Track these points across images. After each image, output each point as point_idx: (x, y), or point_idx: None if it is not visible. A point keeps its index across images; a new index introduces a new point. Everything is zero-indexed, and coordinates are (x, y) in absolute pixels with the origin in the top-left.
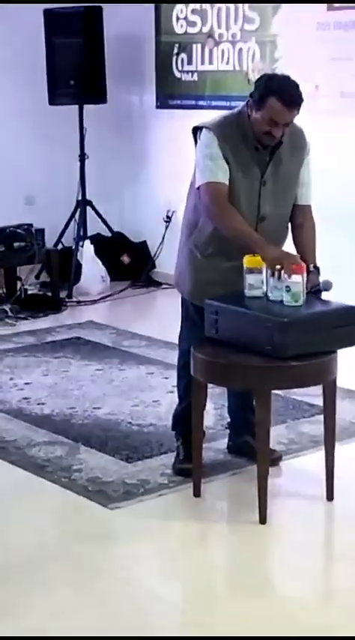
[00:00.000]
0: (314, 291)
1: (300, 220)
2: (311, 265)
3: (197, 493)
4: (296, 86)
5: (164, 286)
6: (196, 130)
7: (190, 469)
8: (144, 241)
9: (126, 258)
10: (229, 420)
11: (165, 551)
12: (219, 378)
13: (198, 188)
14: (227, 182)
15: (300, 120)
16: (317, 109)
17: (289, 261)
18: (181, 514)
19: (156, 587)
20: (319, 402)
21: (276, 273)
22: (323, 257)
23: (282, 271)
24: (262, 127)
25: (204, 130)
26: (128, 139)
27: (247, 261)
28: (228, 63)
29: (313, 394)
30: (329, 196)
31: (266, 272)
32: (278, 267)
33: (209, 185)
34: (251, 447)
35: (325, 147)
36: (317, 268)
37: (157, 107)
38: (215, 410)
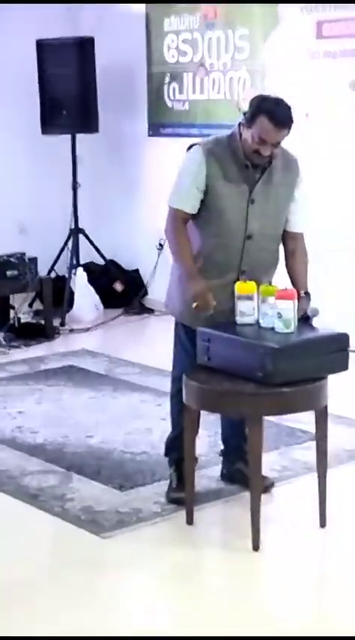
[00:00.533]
0: (304, 318)
1: (292, 246)
2: (302, 291)
3: (190, 521)
4: (288, 108)
5: (157, 313)
6: (190, 148)
7: (183, 499)
8: (137, 269)
9: (118, 286)
10: (222, 447)
11: (158, 579)
12: (211, 405)
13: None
14: (190, 210)
15: (291, 147)
16: (307, 137)
17: (205, 299)
18: (174, 542)
19: (150, 616)
20: (312, 428)
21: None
22: (313, 283)
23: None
24: (252, 145)
25: (195, 146)
26: (120, 167)
27: (238, 288)
28: (219, 92)
29: (306, 421)
30: (319, 222)
31: (258, 299)
32: (194, 304)
33: (171, 210)
34: (243, 475)
35: (315, 174)
36: (307, 294)
37: (149, 136)
38: (208, 437)
